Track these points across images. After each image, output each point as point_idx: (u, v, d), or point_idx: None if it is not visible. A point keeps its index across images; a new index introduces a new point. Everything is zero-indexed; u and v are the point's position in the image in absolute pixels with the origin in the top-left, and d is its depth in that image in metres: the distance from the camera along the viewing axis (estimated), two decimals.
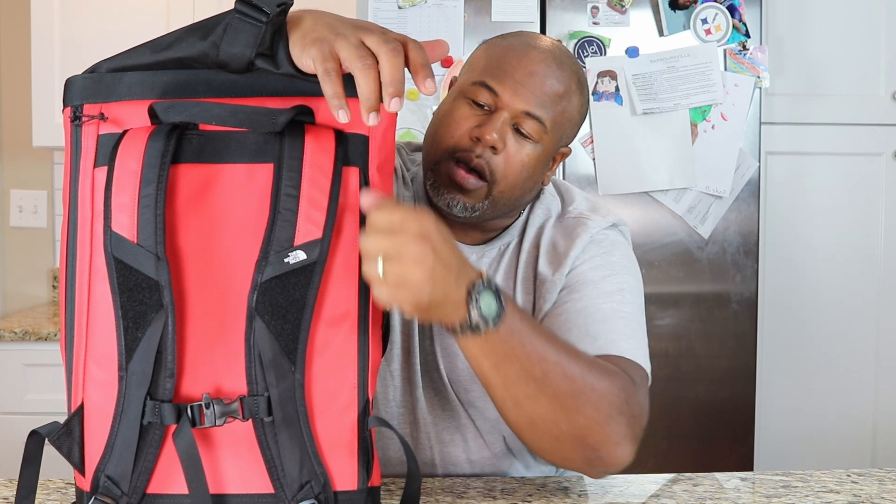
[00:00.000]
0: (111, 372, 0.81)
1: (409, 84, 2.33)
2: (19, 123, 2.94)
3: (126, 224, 0.80)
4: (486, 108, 1.13)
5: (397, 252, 0.81)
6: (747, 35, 2.37)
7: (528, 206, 1.25)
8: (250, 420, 0.82)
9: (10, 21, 2.97)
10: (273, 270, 0.79)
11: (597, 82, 2.34)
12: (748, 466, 2.41)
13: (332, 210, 0.81)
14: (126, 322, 0.80)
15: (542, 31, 2.36)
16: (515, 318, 0.92)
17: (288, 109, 0.83)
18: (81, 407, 0.83)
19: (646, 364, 1.12)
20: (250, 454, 0.82)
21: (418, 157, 1.30)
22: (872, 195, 2.70)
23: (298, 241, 0.80)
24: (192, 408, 0.81)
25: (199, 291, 0.81)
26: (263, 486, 0.82)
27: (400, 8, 2.33)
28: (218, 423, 0.81)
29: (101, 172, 0.83)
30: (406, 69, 0.81)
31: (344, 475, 0.84)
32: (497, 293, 0.90)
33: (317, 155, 0.82)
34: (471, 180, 1.12)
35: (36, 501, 1.04)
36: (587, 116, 2.33)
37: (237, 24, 0.82)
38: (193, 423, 0.81)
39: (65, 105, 0.86)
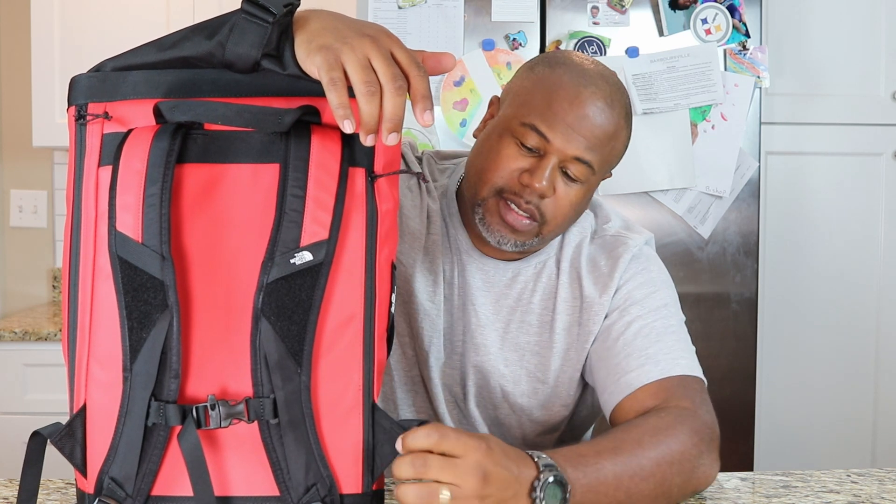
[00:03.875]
0: (115, 372, 0.80)
1: None
2: (19, 123, 2.94)
3: (131, 224, 0.79)
4: (534, 151, 1.12)
5: (458, 483, 0.80)
6: (747, 35, 2.37)
7: None
8: (255, 422, 0.81)
9: (10, 21, 2.97)
10: (279, 271, 0.79)
11: None
12: (748, 466, 2.41)
13: (338, 211, 0.81)
14: (130, 322, 0.79)
15: (542, 31, 2.36)
16: (580, 480, 0.90)
17: (294, 109, 0.82)
18: (84, 408, 0.82)
19: (701, 374, 1.15)
20: (255, 456, 0.82)
21: (448, 165, 1.29)
22: (872, 195, 2.70)
23: (304, 241, 0.79)
24: (197, 409, 0.80)
25: (204, 292, 0.81)
26: (269, 488, 0.82)
27: (400, 8, 2.33)
28: (223, 424, 0.80)
29: (106, 172, 0.82)
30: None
31: (349, 478, 0.83)
32: (555, 476, 0.88)
33: (322, 155, 0.81)
34: (523, 221, 1.12)
35: (36, 501, 1.04)
36: None
37: (243, 24, 0.81)
38: (198, 425, 0.80)
39: (69, 104, 0.85)
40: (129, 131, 0.82)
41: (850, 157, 2.68)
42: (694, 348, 1.19)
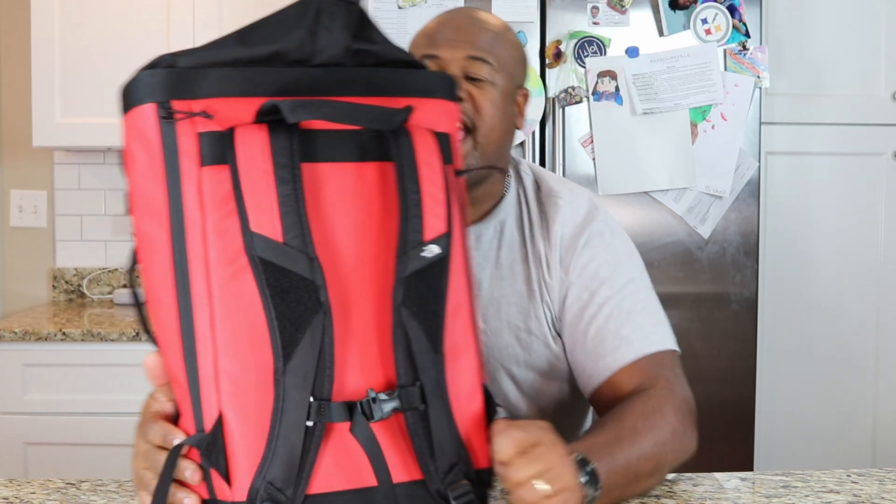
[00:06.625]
0: (259, 377, 0.79)
1: None
2: (19, 123, 2.94)
3: (268, 224, 0.77)
4: None
5: (547, 466, 0.86)
6: (747, 35, 2.37)
7: (515, 180, 1.29)
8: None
9: (10, 21, 2.97)
10: (415, 265, 0.82)
11: (597, 82, 2.34)
12: (748, 466, 2.40)
13: (449, 206, 0.85)
14: (282, 324, 0.77)
15: (542, 31, 2.36)
16: (602, 468, 0.98)
17: (402, 109, 0.84)
18: (221, 417, 0.79)
19: (674, 343, 1.20)
20: (396, 442, 0.83)
21: None
22: (872, 195, 2.70)
23: (428, 236, 0.83)
24: (361, 403, 0.81)
25: (340, 289, 0.81)
26: (411, 472, 0.84)
27: (400, 8, 2.33)
28: (385, 416, 0.81)
29: (212, 172, 0.78)
30: None
31: (479, 454, 0.87)
32: (588, 463, 0.95)
33: (425, 154, 0.85)
34: None
35: (35, 502, 1.04)
36: (588, 113, 2.34)
37: (331, 8, 0.83)
38: (367, 418, 0.81)
39: (137, 101, 0.79)
40: (230, 129, 0.79)
41: (850, 157, 2.68)
42: (662, 313, 1.23)
